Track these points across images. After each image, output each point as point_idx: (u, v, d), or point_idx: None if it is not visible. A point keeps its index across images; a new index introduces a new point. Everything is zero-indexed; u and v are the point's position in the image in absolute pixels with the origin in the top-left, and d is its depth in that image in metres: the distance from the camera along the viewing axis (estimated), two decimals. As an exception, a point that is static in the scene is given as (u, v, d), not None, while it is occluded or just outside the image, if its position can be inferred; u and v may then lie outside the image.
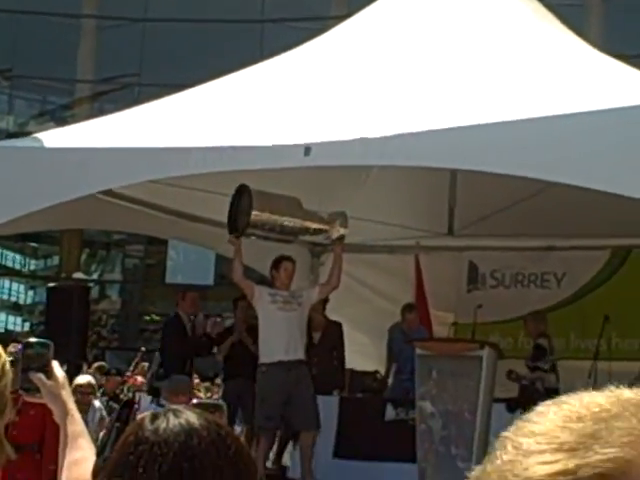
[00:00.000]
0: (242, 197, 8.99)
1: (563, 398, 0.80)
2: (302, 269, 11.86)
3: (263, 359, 9.37)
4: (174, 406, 1.84)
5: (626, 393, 0.79)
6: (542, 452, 0.75)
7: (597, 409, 0.77)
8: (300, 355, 9.45)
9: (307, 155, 6.84)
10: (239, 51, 21.61)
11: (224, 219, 10.64)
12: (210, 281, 26.01)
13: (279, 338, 9.30)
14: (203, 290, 27.38)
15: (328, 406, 9.99)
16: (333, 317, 11.04)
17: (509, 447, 0.78)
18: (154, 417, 1.73)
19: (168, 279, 27.67)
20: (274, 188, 9.58)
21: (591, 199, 8.31)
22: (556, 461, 0.74)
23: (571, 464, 0.74)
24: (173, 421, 1.71)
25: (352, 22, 9.59)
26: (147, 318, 28.76)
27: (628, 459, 0.73)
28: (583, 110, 6.87)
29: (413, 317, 10.81)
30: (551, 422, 0.77)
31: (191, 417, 1.73)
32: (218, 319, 12.01)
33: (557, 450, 0.75)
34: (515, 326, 11.08)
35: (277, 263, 9.83)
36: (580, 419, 0.77)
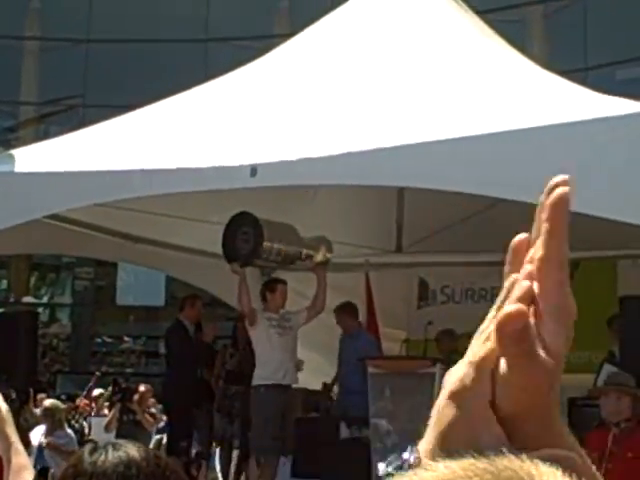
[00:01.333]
0: (244, 225, 9.09)
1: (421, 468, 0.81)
2: (254, 289, 11.83)
3: (260, 381, 9.46)
4: (114, 440, 1.83)
5: (482, 462, 0.79)
6: None
7: (445, 471, 0.79)
8: (292, 380, 9.65)
9: (253, 176, 6.81)
10: (184, 71, 21.55)
11: (172, 240, 10.61)
12: (161, 301, 25.88)
13: (276, 361, 9.46)
14: (154, 311, 27.30)
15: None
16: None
17: None
18: (93, 450, 1.72)
19: (119, 301, 27.49)
20: (222, 209, 9.56)
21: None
22: None
23: None
24: (112, 453, 1.70)
25: (296, 41, 9.59)
26: (98, 340, 28.54)
27: None
28: (529, 126, 6.91)
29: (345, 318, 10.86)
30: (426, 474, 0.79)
31: (130, 449, 1.71)
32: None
33: None
34: (467, 341, 11.10)
35: (272, 285, 9.95)
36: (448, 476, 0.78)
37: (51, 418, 12.41)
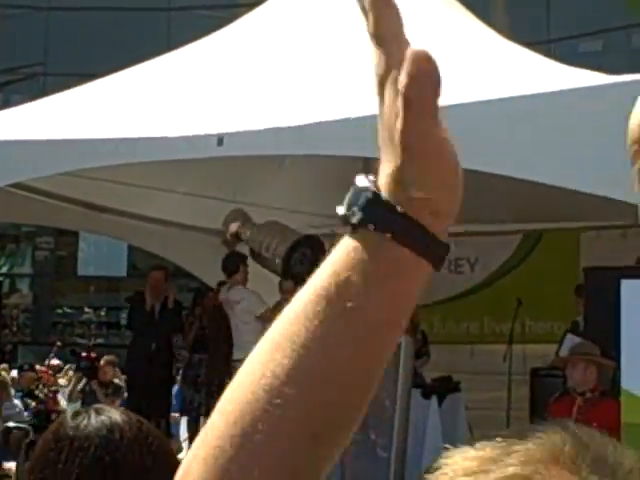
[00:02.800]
0: (305, 247, 9.13)
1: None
2: (217, 259, 11.82)
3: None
4: (97, 405, 1.82)
5: (530, 433, 0.84)
6: (452, 478, 0.81)
7: (500, 441, 0.83)
8: None
9: (220, 145, 6.78)
10: (147, 40, 21.40)
11: (135, 210, 10.55)
12: (123, 272, 25.80)
13: None
14: (116, 281, 27.18)
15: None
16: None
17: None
18: (75, 414, 1.72)
19: (80, 271, 27.37)
20: (186, 178, 9.52)
21: (503, 185, 8.39)
22: None
23: None
24: (95, 418, 1.70)
25: (262, 10, 9.53)
26: (59, 311, 28.41)
27: (525, 475, 0.78)
28: (494, 97, 6.91)
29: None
30: (460, 455, 0.83)
31: (113, 414, 1.71)
32: None
33: (461, 476, 0.80)
34: (430, 311, 11.15)
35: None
36: (482, 448, 0.82)
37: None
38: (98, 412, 1.71)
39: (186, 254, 11.80)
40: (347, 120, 6.90)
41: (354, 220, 0.90)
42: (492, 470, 0.79)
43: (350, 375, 0.87)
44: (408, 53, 0.88)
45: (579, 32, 23.32)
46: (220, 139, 6.78)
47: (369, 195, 0.91)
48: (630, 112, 5.76)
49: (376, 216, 0.89)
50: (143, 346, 10.97)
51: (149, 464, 1.64)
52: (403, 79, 0.84)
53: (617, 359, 6.59)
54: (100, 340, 26.37)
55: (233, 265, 9.98)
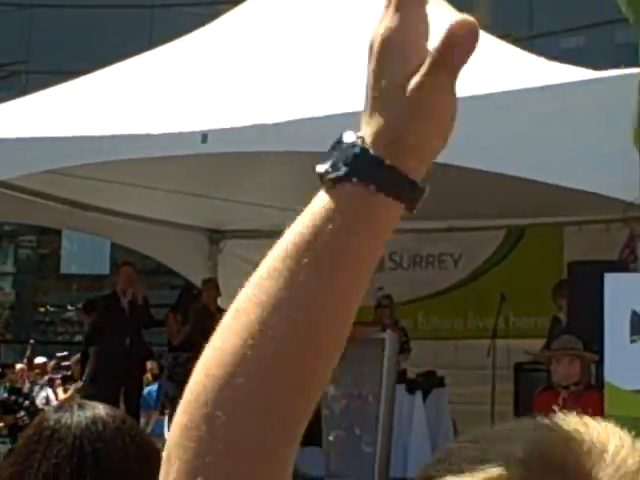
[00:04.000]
0: None
1: None
2: (201, 256, 11.81)
3: None
4: (80, 400, 1.82)
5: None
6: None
7: (512, 428, 0.86)
8: None
9: (204, 142, 6.79)
10: (129, 38, 21.35)
11: (117, 207, 10.54)
12: (106, 270, 25.72)
13: None
14: (99, 279, 27.12)
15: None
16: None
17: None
18: (58, 409, 1.72)
19: (63, 269, 27.30)
20: (170, 174, 9.51)
21: (486, 180, 8.41)
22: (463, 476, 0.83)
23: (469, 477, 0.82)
24: (77, 412, 1.70)
25: (244, 7, 9.52)
26: (42, 310, 28.33)
27: (516, 472, 0.80)
28: (478, 93, 6.93)
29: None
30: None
31: (96, 408, 1.71)
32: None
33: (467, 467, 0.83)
34: (414, 307, 11.18)
35: None
36: (487, 436, 0.87)
37: None
38: (81, 407, 1.71)
39: (169, 251, 11.79)
40: (330, 117, 6.91)
41: (340, 174, 0.91)
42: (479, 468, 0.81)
43: (323, 314, 0.89)
44: (454, 18, 0.93)
45: (562, 28, 23.39)
46: (204, 136, 6.79)
47: (357, 150, 0.92)
48: (614, 107, 5.72)
49: (362, 170, 0.90)
50: (118, 342, 10.98)
51: (132, 454, 1.65)
52: (443, 41, 0.91)
53: (600, 353, 6.63)
54: (82, 338, 26.31)
55: None
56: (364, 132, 0.93)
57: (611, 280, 6.31)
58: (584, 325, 7.46)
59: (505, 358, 10.35)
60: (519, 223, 11.09)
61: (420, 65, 0.91)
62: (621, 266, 8.25)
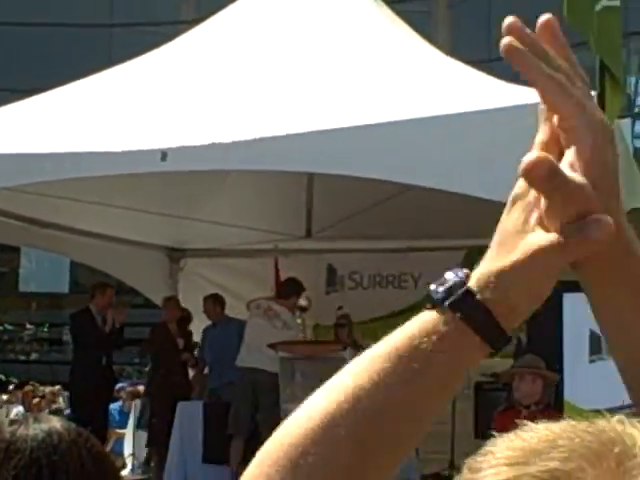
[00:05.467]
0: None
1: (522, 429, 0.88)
2: (161, 274, 11.76)
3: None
4: (35, 414, 1.81)
5: (582, 424, 0.84)
6: (491, 467, 0.82)
7: (547, 432, 0.83)
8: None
9: (164, 160, 6.76)
10: (88, 56, 21.28)
11: (77, 225, 10.48)
12: (65, 288, 25.58)
13: None
14: (58, 298, 26.93)
15: (193, 411, 10.00)
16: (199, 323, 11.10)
17: (465, 469, 0.85)
18: (12, 422, 1.71)
19: (22, 287, 27.09)
20: (130, 191, 9.48)
21: (447, 201, 8.44)
22: (498, 473, 0.81)
23: (511, 474, 0.80)
24: (33, 424, 1.69)
25: (204, 27, 9.52)
26: (0, 328, 28.09)
27: (565, 470, 0.79)
28: (438, 114, 6.97)
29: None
30: (505, 444, 0.84)
31: (52, 421, 1.70)
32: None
33: (503, 465, 0.81)
34: (375, 327, 11.18)
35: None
36: (529, 439, 0.83)
37: None
38: (36, 420, 1.70)
39: (129, 270, 11.73)
40: (290, 136, 6.92)
41: (444, 302, 1.05)
42: (534, 463, 0.80)
43: (404, 412, 1.04)
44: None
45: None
46: (164, 154, 6.77)
47: (464, 289, 1.05)
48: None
49: (464, 308, 1.03)
50: (94, 361, 10.89)
51: (88, 467, 1.63)
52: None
53: (560, 372, 6.66)
54: (42, 357, 26.12)
55: (288, 291, 10.00)
56: (480, 267, 1.05)
57: (570, 300, 6.35)
58: (544, 344, 7.50)
59: (465, 377, 10.34)
60: (479, 243, 11.09)
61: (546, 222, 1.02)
62: (579, 286, 8.30)
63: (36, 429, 1.67)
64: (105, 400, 11.34)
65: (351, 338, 10.44)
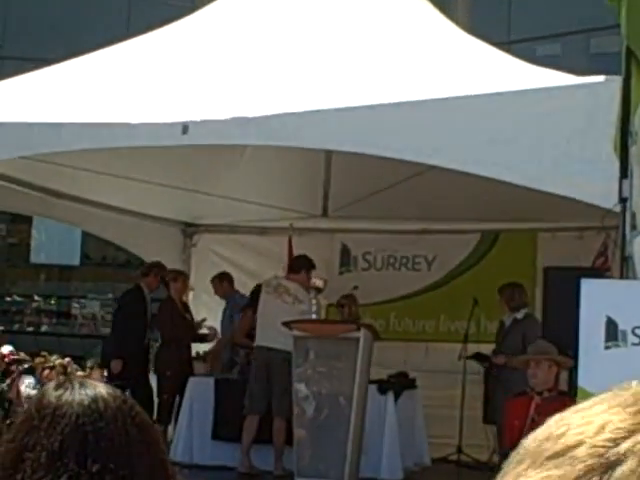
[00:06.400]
0: None
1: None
2: (174, 250, 11.75)
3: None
4: (81, 379, 1.79)
5: None
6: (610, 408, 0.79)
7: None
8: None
9: (185, 133, 6.72)
10: (106, 27, 21.22)
11: (91, 196, 10.46)
12: (76, 261, 25.58)
13: None
14: (68, 270, 26.96)
15: (205, 388, 9.98)
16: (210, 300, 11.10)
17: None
18: (58, 386, 1.69)
19: (33, 259, 27.11)
20: (147, 165, 9.45)
21: (462, 184, 8.41)
22: (624, 419, 0.77)
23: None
24: (78, 389, 1.67)
25: (225, 0, 9.47)
26: (8, 299, 28.13)
27: None
28: (458, 95, 6.92)
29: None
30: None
31: (98, 386, 1.69)
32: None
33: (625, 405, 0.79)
34: (387, 308, 11.16)
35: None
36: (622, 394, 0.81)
37: None
38: (82, 385, 1.68)
39: (142, 244, 11.72)
40: (310, 112, 6.88)
41: None
42: None
43: None
44: None
45: (538, 35, 23.45)
46: (185, 127, 6.73)
47: None
48: (595, 113, 5.67)
49: None
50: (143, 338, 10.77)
51: (133, 435, 1.62)
52: None
53: (575, 359, 6.62)
54: (49, 329, 26.15)
55: (298, 266, 9.89)
56: None
57: (587, 286, 6.30)
58: (559, 329, 7.46)
59: (476, 362, 10.34)
60: (494, 228, 11.09)
61: None
62: (595, 274, 8.26)
63: (82, 394, 1.65)
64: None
65: (354, 317, 10.35)
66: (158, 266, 10.87)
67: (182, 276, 11.03)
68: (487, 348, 10.22)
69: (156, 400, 10.46)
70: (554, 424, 0.81)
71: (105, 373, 11.22)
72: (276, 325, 9.12)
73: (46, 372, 12.59)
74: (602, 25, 19.41)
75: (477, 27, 20.63)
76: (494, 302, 10.46)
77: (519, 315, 9.67)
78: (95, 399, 1.64)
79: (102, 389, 1.67)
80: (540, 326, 9.26)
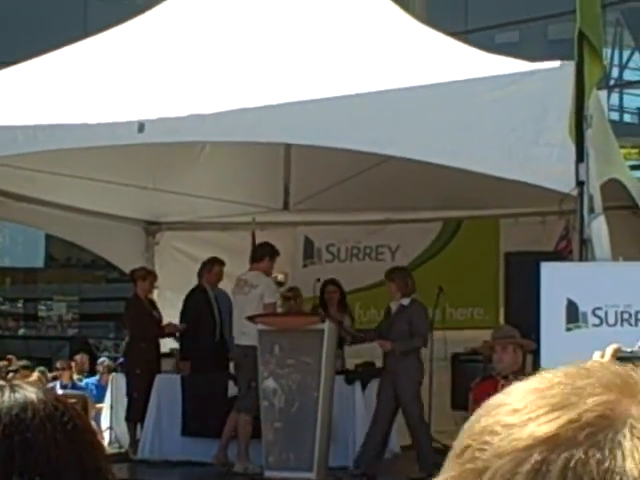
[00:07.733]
0: None
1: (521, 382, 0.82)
2: (137, 248, 11.72)
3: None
4: (15, 381, 1.76)
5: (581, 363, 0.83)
6: (538, 417, 0.78)
7: (561, 375, 0.81)
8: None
9: (141, 132, 6.72)
10: (63, 27, 21.10)
11: (53, 198, 10.41)
12: (40, 263, 25.44)
13: None
14: (33, 272, 26.82)
15: (172, 385, 9.98)
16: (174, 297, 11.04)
17: (497, 428, 0.80)
18: None
19: (-3, 262, 26.94)
20: (107, 165, 9.42)
21: (424, 173, 8.45)
22: (558, 417, 0.77)
23: (573, 414, 0.77)
24: (8, 395, 1.65)
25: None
26: (-26, 304, 27.95)
27: (613, 399, 0.78)
28: (415, 85, 6.96)
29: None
30: (526, 396, 0.80)
31: (28, 391, 1.66)
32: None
33: (550, 411, 0.78)
34: (352, 299, 11.19)
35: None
36: (552, 386, 0.80)
37: None
38: (13, 389, 1.66)
39: (105, 244, 11.68)
40: (267, 107, 6.90)
41: None
42: (581, 399, 0.77)
43: None
44: None
45: (496, 23, 23.55)
46: (141, 125, 6.73)
47: None
48: (550, 98, 5.76)
49: None
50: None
51: (63, 443, 1.60)
52: None
53: (537, 341, 6.68)
54: (17, 332, 26.02)
55: (261, 253, 9.84)
56: None
57: (547, 269, 6.37)
58: (521, 313, 7.52)
59: (442, 349, 10.39)
60: (456, 215, 11.15)
61: None
62: (557, 257, 8.33)
63: (11, 401, 1.63)
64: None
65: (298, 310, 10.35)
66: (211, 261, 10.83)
67: (151, 275, 10.99)
68: (452, 335, 10.28)
69: (125, 398, 10.46)
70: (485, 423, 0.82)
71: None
72: (241, 321, 9.14)
73: (10, 376, 12.53)
74: (560, 11, 19.52)
75: (434, 17, 20.70)
76: (459, 290, 10.51)
77: (405, 302, 9.57)
78: (24, 407, 1.62)
79: (33, 394, 1.65)
80: (425, 311, 9.34)
